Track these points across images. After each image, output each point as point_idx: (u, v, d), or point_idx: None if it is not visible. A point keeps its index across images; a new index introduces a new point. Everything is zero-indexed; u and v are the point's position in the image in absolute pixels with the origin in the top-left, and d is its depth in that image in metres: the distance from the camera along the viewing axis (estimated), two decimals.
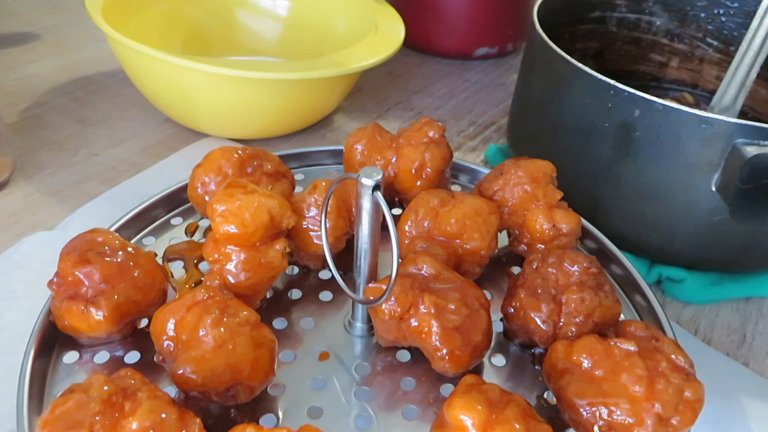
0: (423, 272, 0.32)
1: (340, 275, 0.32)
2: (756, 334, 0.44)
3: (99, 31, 0.52)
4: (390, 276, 0.28)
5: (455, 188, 0.47)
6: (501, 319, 0.35)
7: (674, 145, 0.41)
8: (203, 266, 0.37)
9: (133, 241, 0.39)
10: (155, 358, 0.31)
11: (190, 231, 0.41)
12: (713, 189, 0.41)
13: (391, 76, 0.75)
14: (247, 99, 0.53)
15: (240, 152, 0.38)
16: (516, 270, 0.40)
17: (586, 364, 0.28)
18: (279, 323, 0.35)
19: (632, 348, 0.28)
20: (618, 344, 0.28)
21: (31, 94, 0.64)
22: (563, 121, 0.47)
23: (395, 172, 0.41)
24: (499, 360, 0.34)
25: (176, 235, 0.40)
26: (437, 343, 0.30)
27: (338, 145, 0.48)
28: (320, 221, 0.32)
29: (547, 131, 0.50)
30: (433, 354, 0.30)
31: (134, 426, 0.23)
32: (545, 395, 0.32)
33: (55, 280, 0.31)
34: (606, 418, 0.27)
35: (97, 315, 0.30)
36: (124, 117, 0.61)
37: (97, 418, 0.23)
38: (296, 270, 0.38)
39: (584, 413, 0.27)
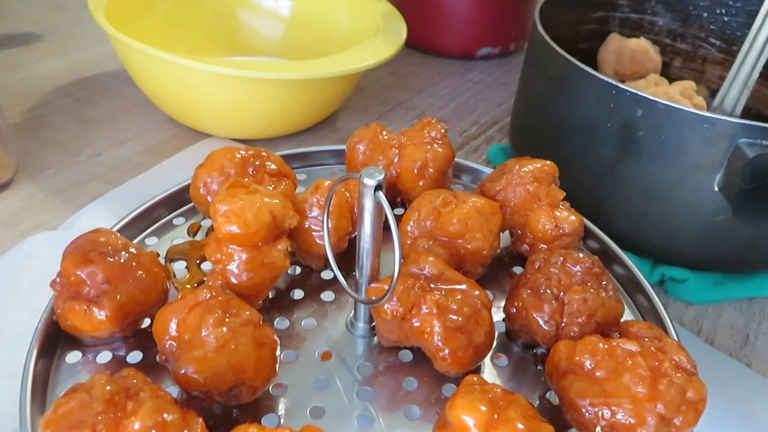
0: (425, 272, 0.32)
1: (343, 275, 0.32)
2: (759, 334, 0.44)
3: (102, 31, 0.52)
4: (392, 276, 0.28)
5: (457, 188, 0.47)
6: (503, 320, 0.35)
7: (677, 145, 0.41)
8: (205, 266, 0.37)
9: (135, 241, 0.39)
10: (158, 358, 0.31)
11: (193, 231, 0.41)
12: (716, 189, 0.40)
13: (393, 76, 0.75)
14: (250, 99, 0.53)
15: (242, 152, 0.38)
16: (518, 270, 0.40)
17: (588, 364, 0.28)
18: (281, 323, 0.35)
19: (635, 348, 0.28)
20: (620, 344, 0.28)
21: (35, 94, 0.64)
22: (566, 121, 0.47)
23: (397, 172, 0.41)
24: (502, 360, 0.34)
25: (179, 235, 0.41)
26: (439, 343, 0.30)
27: (340, 145, 0.48)
28: (322, 221, 0.32)
29: (550, 131, 0.50)
30: (435, 354, 0.30)
31: (137, 426, 0.23)
32: (547, 395, 0.32)
33: (57, 279, 0.31)
34: (608, 418, 0.27)
35: (100, 315, 0.30)
36: (127, 117, 0.61)
37: (100, 417, 0.23)
38: (298, 270, 0.38)
39: (586, 413, 0.27)
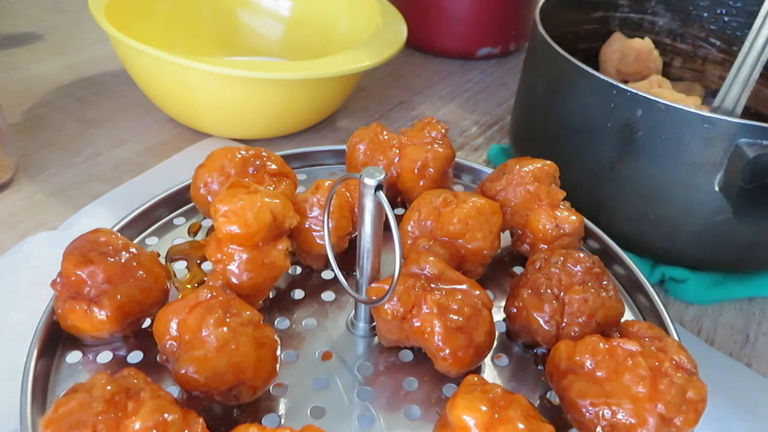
0: (426, 272, 0.32)
1: (343, 275, 0.32)
2: (759, 334, 0.44)
3: (102, 31, 0.52)
4: (392, 276, 0.28)
5: (458, 188, 0.47)
6: (504, 319, 0.35)
7: (677, 145, 0.41)
8: (206, 266, 0.37)
9: (136, 241, 0.39)
10: (158, 358, 0.31)
11: (193, 231, 0.41)
12: (716, 189, 0.40)
13: (393, 76, 0.75)
14: (250, 99, 0.53)
15: (242, 152, 0.38)
16: (518, 270, 0.40)
17: (588, 364, 0.28)
18: (281, 323, 0.35)
19: (635, 348, 0.28)
20: (621, 344, 0.28)
21: (35, 94, 0.64)
22: (566, 121, 0.47)
23: (398, 172, 0.41)
24: (502, 360, 0.34)
25: (179, 235, 0.41)
26: (440, 343, 0.30)
27: (341, 145, 0.48)
28: (323, 221, 0.32)
29: (550, 131, 0.50)
30: (435, 354, 0.30)
31: (137, 426, 0.23)
32: (548, 395, 0.32)
33: (58, 280, 0.31)
34: (609, 418, 0.27)
35: (100, 315, 0.30)
36: (127, 117, 0.61)
37: (100, 417, 0.23)
38: (299, 270, 0.38)
39: (587, 413, 0.27)
